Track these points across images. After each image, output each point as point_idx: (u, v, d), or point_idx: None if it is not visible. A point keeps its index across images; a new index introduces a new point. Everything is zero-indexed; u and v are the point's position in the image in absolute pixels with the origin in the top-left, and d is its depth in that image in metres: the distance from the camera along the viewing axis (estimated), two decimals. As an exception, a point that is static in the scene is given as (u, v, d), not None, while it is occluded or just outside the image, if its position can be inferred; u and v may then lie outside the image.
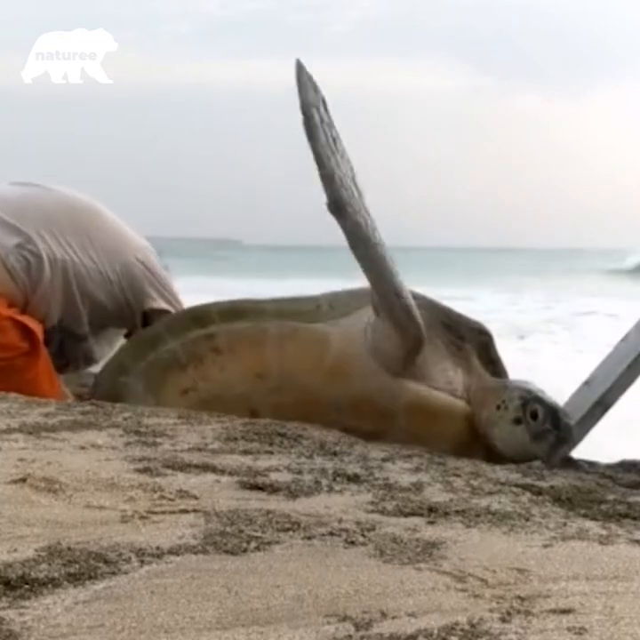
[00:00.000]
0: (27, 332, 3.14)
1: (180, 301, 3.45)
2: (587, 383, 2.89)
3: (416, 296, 2.81)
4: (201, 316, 2.87)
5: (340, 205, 2.54)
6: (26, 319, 3.16)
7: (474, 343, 2.75)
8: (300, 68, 2.62)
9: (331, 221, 2.60)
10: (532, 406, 2.55)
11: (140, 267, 3.36)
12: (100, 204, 3.47)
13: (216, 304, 2.93)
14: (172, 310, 3.36)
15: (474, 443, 2.63)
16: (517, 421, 2.56)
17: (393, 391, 2.64)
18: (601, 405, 2.81)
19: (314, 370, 2.68)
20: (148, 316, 3.35)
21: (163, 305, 3.36)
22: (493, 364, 2.75)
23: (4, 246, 3.19)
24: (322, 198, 2.57)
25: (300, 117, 2.59)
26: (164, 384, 2.82)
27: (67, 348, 3.33)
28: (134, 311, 3.35)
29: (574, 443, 2.67)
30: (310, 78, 2.63)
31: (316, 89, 2.62)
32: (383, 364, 2.64)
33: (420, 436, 2.55)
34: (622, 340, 2.91)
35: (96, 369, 3.36)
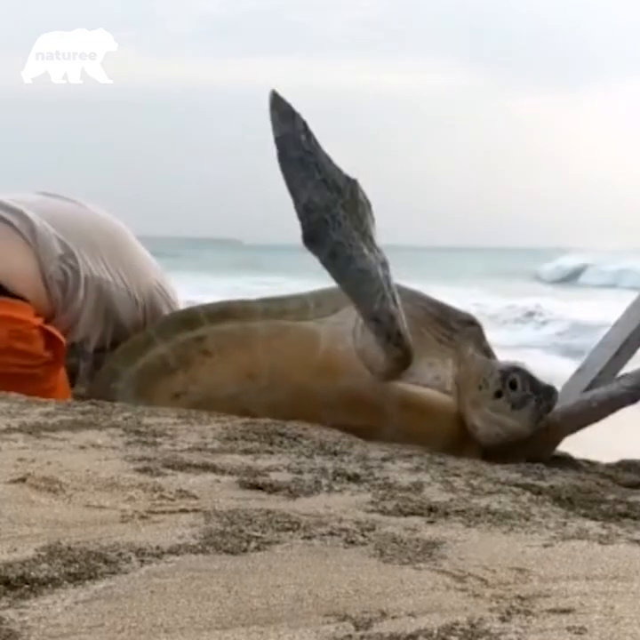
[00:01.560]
0: (52, 341, 3.13)
1: None
2: (580, 370, 2.92)
3: (402, 289, 2.82)
4: (189, 318, 2.88)
5: (315, 240, 2.51)
6: (52, 329, 3.15)
7: (465, 334, 2.75)
8: (275, 99, 2.51)
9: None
10: (511, 377, 2.57)
11: (160, 290, 3.38)
12: (127, 228, 3.48)
13: (204, 306, 2.94)
14: None
15: (466, 439, 2.64)
16: (498, 394, 2.58)
17: (383, 388, 2.64)
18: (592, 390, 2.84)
19: (304, 368, 2.68)
20: None
21: None
22: (486, 354, 2.76)
23: (46, 254, 3.18)
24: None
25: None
26: (155, 389, 2.82)
27: (75, 366, 3.31)
28: None
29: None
30: (286, 107, 2.52)
31: (293, 116, 2.52)
32: (368, 367, 2.65)
33: (411, 432, 2.56)
34: (613, 327, 2.95)
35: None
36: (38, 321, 3.11)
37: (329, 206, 2.50)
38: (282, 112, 2.51)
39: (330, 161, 2.54)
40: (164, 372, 2.82)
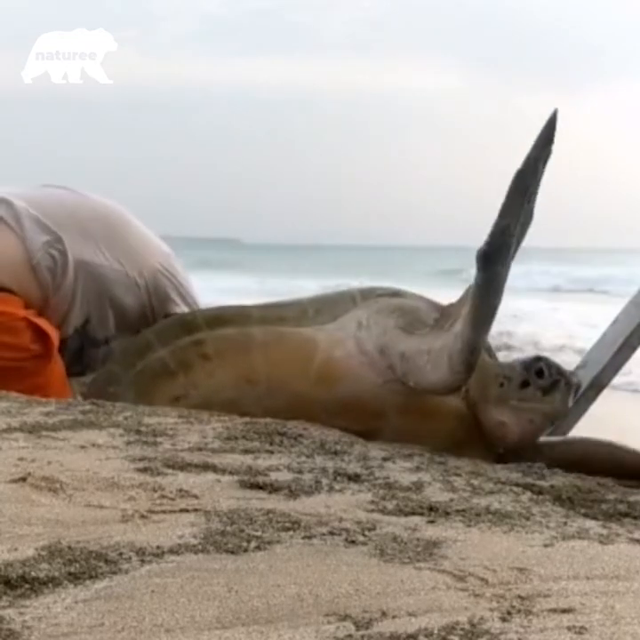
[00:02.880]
0: (40, 334, 3.13)
1: (199, 305, 3.47)
2: (580, 367, 2.94)
3: (404, 292, 2.82)
4: (188, 323, 2.89)
5: (491, 257, 2.37)
6: (41, 322, 3.15)
7: None
8: (552, 122, 2.37)
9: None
10: (535, 365, 2.55)
11: (164, 273, 3.39)
12: (127, 211, 3.48)
13: (202, 311, 2.97)
14: None
15: (467, 442, 2.64)
16: (524, 384, 2.55)
17: (381, 393, 2.64)
18: (594, 387, 2.88)
19: (302, 374, 2.68)
20: None
21: (186, 310, 3.38)
22: (488, 353, 2.75)
23: (32, 242, 3.19)
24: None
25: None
26: (154, 392, 2.82)
27: (87, 354, 3.32)
28: (157, 316, 3.36)
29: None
30: (553, 133, 2.38)
31: (551, 144, 2.39)
32: (404, 373, 2.61)
33: (413, 434, 2.55)
34: (612, 324, 2.98)
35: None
36: (25, 313, 3.11)
37: (513, 237, 2.39)
38: (549, 136, 2.39)
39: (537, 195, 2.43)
40: (165, 375, 2.83)
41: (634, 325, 2.88)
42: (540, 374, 2.55)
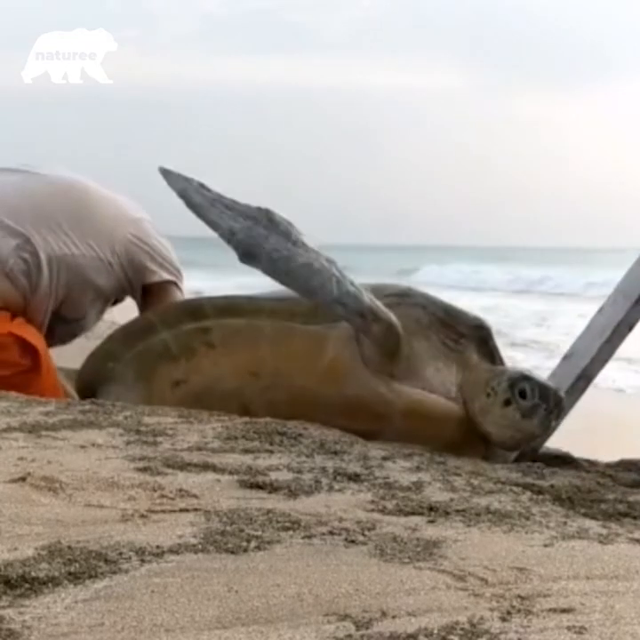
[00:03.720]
0: (28, 348, 3.11)
1: (179, 269, 3.46)
2: (566, 357, 2.94)
3: (414, 293, 2.80)
4: (195, 310, 2.88)
5: (250, 254, 2.64)
6: (28, 334, 3.13)
7: (473, 339, 2.74)
8: (165, 173, 2.74)
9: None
10: (520, 385, 2.58)
11: (136, 242, 3.35)
12: (90, 181, 3.42)
13: (210, 299, 2.95)
14: (172, 279, 3.41)
15: (467, 445, 2.64)
16: (507, 402, 2.58)
17: (387, 395, 2.63)
18: (584, 378, 2.87)
19: (309, 371, 2.67)
20: (148, 289, 3.37)
21: (164, 276, 3.38)
22: (491, 357, 2.75)
23: (1, 249, 3.16)
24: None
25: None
26: (154, 374, 2.82)
27: (57, 330, 3.31)
28: (134, 286, 3.36)
29: (564, 413, 2.72)
30: (176, 174, 2.73)
31: (185, 178, 2.72)
32: (371, 367, 2.64)
33: (412, 438, 2.55)
34: (598, 313, 2.97)
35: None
36: (10, 327, 3.09)
37: (250, 228, 2.63)
38: (175, 178, 2.72)
39: (236, 202, 2.69)
40: (166, 358, 2.82)
41: (622, 314, 2.87)
42: (523, 395, 2.56)
